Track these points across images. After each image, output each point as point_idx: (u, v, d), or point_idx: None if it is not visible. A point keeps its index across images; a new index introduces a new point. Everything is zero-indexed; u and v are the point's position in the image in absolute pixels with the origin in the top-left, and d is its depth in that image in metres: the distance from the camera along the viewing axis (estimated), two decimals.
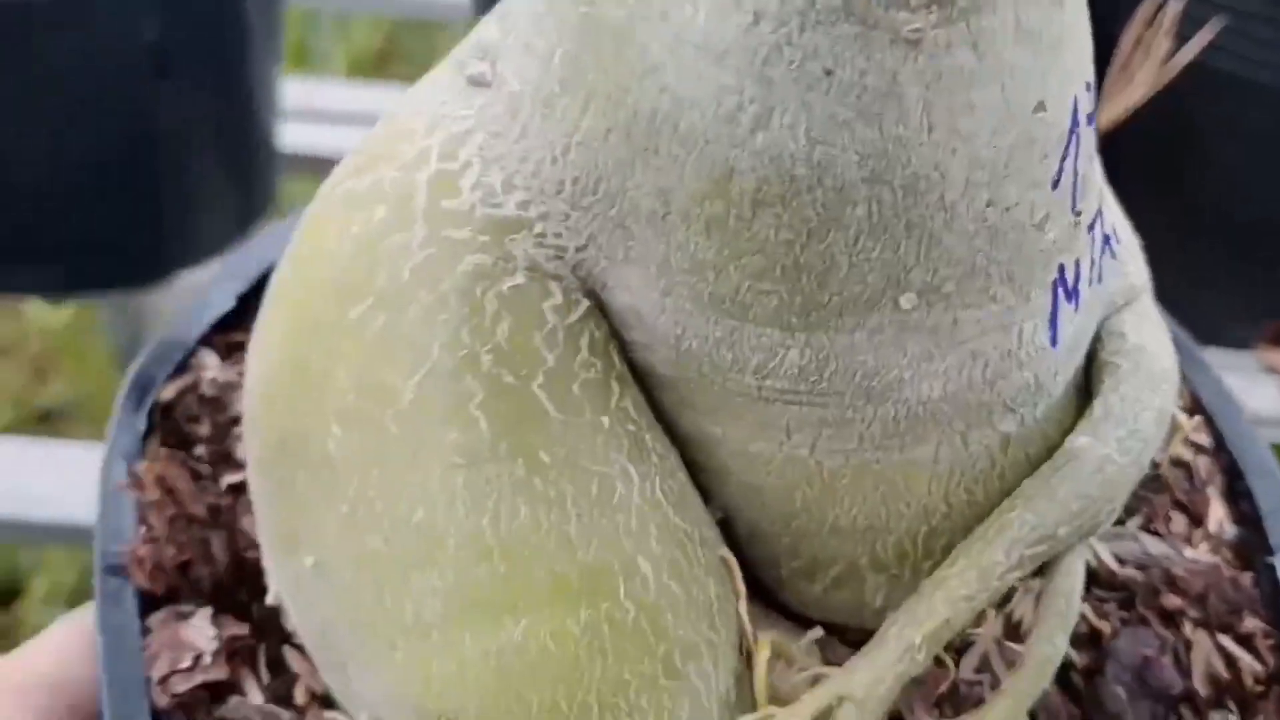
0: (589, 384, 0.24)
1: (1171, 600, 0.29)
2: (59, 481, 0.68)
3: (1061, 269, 0.25)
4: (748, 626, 0.25)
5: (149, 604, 0.27)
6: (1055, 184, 0.23)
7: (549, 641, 0.23)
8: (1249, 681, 0.28)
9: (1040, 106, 0.22)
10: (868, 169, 0.21)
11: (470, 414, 0.23)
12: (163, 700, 0.25)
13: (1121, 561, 0.29)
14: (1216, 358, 0.64)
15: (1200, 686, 0.27)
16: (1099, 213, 0.26)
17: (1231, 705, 0.27)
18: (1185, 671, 0.27)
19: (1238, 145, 0.73)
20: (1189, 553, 0.30)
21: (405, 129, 0.25)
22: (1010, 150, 0.22)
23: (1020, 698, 0.25)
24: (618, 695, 0.23)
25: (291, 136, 0.88)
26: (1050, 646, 0.25)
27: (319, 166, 1.03)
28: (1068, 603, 0.25)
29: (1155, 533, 0.31)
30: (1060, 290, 0.25)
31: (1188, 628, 0.28)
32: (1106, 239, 0.27)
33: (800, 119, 0.21)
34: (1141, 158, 0.70)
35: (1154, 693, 0.27)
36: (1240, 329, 0.74)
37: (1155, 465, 0.31)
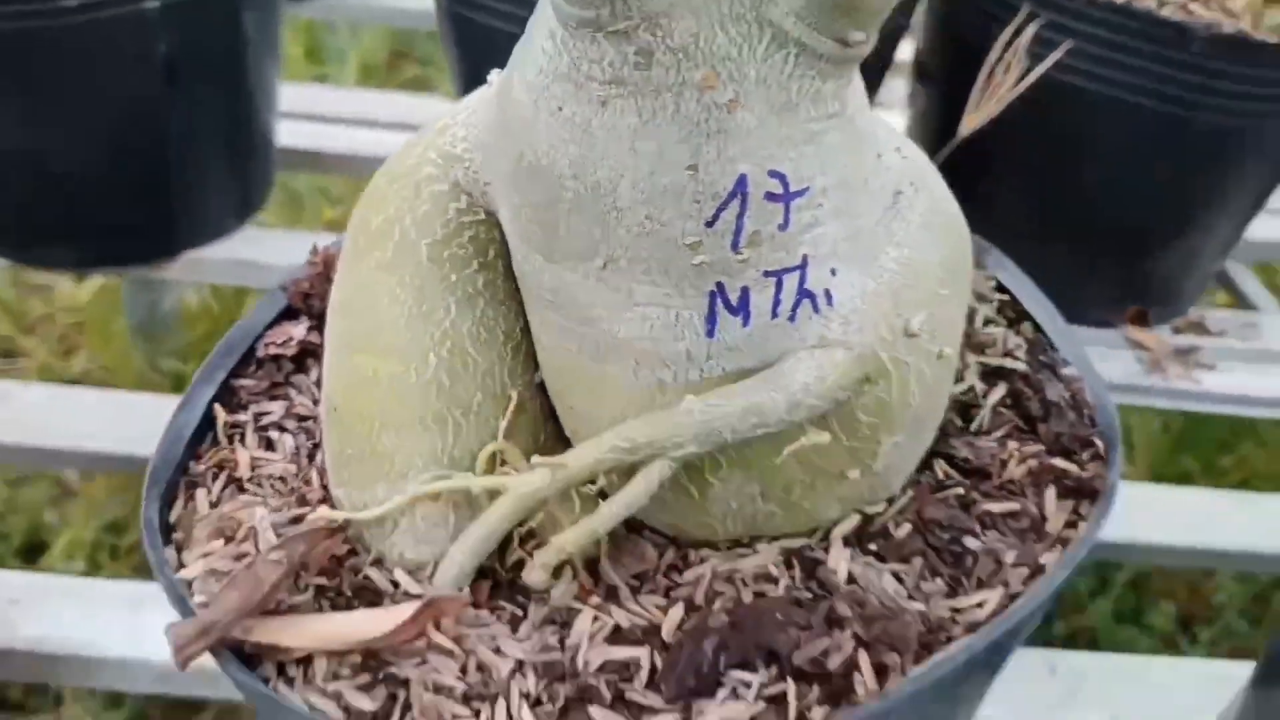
0: (455, 256, 0.41)
1: None
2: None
3: (721, 286, 0.36)
4: (499, 433, 0.41)
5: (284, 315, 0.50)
6: (710, 224, 0.35)
7: (369, 374, 0.41)
8: None
9: (692, 168, 0.35)
10: (572, 172, 0.36)
11: (386, 244, 0.41)
12: (260, 351, 0.48)
13: None
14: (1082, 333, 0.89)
15: None
16: (795, 271, 0.37)
17: None
18: None
19: (1094, 154, 0.90)
20: None
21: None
22: (665, 187, 0.35)
23: (578, 536, 0.37)
24: (393, 422, 0.41)
25: (296, 135, 1.02)
26: (608, 512, 0.37)
27: (318, 162, 1.21)
28: (630, 495, 0.37)
29: None
30: (720, 301, 0.36)
31: None
32: (808, 294, 0.37)
33: (547, 131, 0.36)
34: (1017, 169, 0.93)
35: None
36: (1101, 311, 0.97)
37: None
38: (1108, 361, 1.07)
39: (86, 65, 0.81)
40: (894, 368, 0.39)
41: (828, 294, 0.37)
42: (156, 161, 0.86)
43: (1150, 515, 0.86)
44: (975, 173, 1.08)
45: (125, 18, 0.82)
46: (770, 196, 0.35)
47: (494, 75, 0.41)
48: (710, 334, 0.37)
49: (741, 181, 0.35)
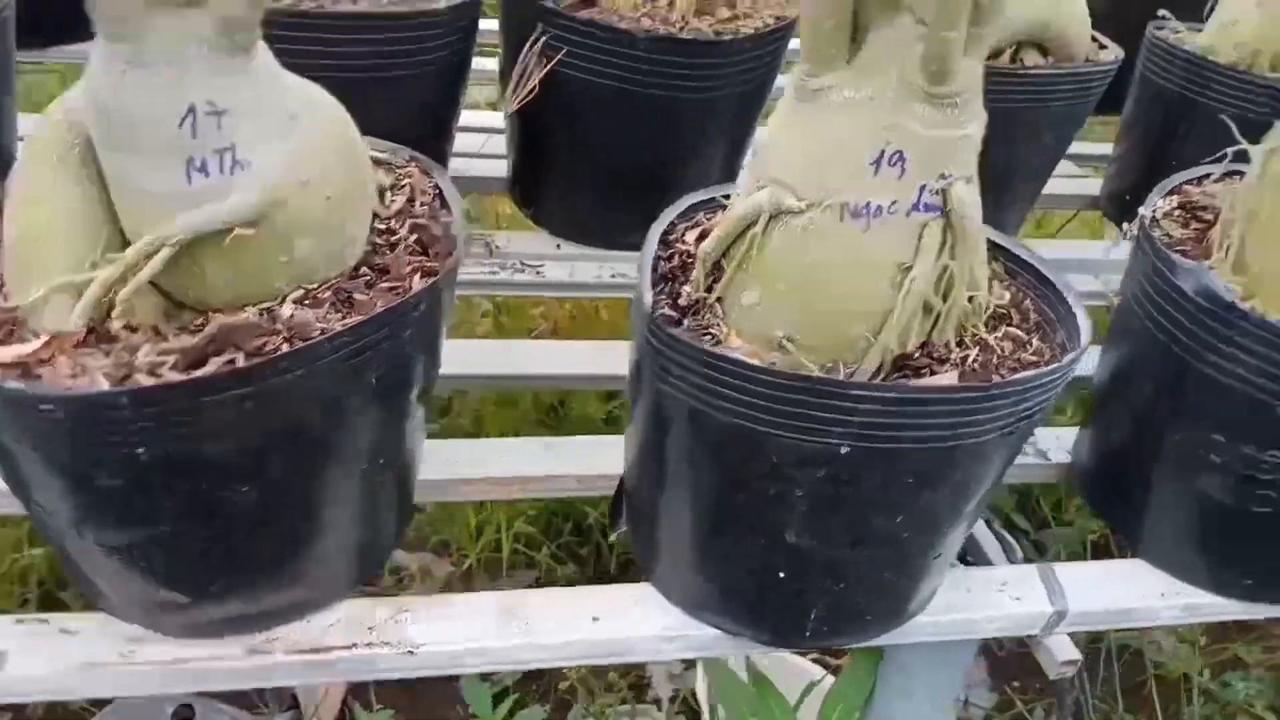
0: (70, 158, 0.78)
1: None
2: None
3: (191, 158, 0.74)
4: (98, 252, 0.78)
5: None
6: (179, 125, 0.74)
7: (29, 220, 0.77)
8: None
9: (169, 101, 0.73)
10: (117, 108, 0.73)
11: (37, 158, 0.78)
12: None
13: None
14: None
15: None
16: (228, 149, 0.75)
17: None
18: None
19: (601, 120, 1.42)
20: None
21: None
22: (159, 113, 0.73)
23: (126, 289, 0.75)
24: (41, 248, 0.77)
25: None
26: (138, 277, 0.75)
27: None
28: (150, 267, 0.74)
29: None
30: (193, 166, 0.75)
31: None
32: (237, 162, 0.76)
33: (104, 91, 0.74)
34: (564, 137, 1.43)
35: None
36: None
37: None
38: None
39: None
40: (292, 200, 0.78)
41: (248, 162, 0.76)
42: None
43: None
44: (539, 139, 1.55)
45: None
46: (208, 114, 0.74)
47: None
48: (190, 183, 0.75)
49: (191, 107, 0.73)
